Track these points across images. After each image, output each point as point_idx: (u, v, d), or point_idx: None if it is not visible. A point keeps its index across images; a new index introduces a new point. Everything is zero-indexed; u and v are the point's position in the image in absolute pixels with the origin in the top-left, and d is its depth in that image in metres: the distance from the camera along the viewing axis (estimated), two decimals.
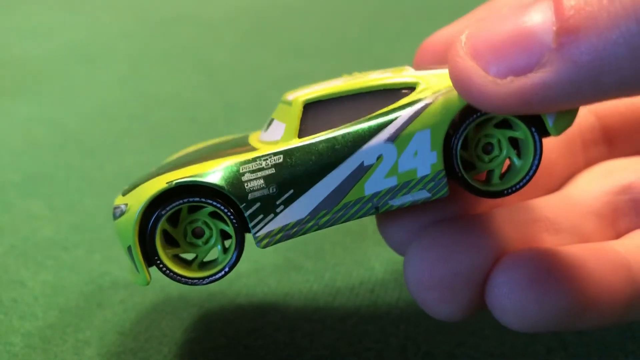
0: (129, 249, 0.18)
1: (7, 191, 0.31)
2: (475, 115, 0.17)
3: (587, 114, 0.23)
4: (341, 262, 0.26)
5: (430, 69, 0.19)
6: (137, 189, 0.18)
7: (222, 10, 0.68)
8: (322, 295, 0.24)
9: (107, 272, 0.25)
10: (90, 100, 0.43)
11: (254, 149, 0.18)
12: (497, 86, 0.15)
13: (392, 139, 0.18)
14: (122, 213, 0.18)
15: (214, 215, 0.18)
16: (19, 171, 0.33)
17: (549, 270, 0.17)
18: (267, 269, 0.25)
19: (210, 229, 0.18)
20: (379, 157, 0.18)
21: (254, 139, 0.20)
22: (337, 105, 0.19)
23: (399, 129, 0.18)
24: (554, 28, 0.14)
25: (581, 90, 0.14)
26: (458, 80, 0.15)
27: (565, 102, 0.15)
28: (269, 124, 0.20)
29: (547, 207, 0.20)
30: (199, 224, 0.18)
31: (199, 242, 0.18)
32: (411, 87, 0.18)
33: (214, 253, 0.19)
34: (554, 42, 0.14)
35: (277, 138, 0.18)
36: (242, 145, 0.19)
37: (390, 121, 0.18)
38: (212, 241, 0.18)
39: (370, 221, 0.27)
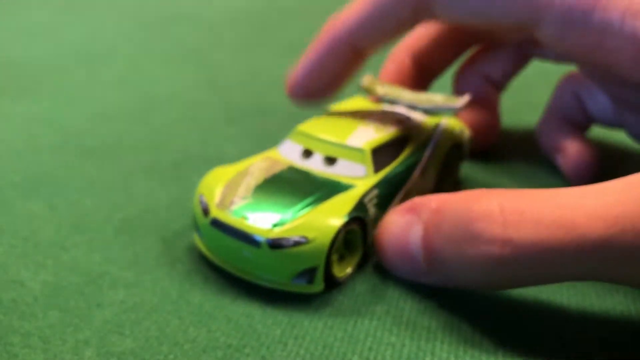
0: (313, 269, 0.23)
1: (7, 191, 0.31)
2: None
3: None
4: None
5: (398, 118, 0.29)
6: (306, 222, 0.23)
7: (222, 11, 0.68)
8: (323, 295, 0.24)
9: (106, 272, 0.25)
10: (90, 100, 0.43)
11: (351, 185, 0.25)
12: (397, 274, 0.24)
13: (421, 173, 0.28)
14: (302, 243, 0.22)
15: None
16: (19, 172, 0.33)
17: None
18: None
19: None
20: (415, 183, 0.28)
21: (325, 173, 0.26)
22: (383, 148, 0.27)
23: (425, 166, 0.28)
24: (423, 259, 0.23)
25: (440, 284, 0.23)
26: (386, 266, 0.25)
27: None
28: (333, 161, 0.26)
29: None
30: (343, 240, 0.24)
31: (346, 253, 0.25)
32: (408, 134, 0.28)
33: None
34: (426, 266, 0.23)
35: (361, 174, 0.26)
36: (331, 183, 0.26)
37: (419, 160, 0.28)
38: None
39: None
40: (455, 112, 0.29)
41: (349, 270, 0.24)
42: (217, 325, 0.22)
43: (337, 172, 0.26)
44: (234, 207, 0.24)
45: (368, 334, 0.22)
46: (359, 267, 0.25)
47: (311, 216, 0.23)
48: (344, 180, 0.25)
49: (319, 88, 0.31)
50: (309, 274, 0.23)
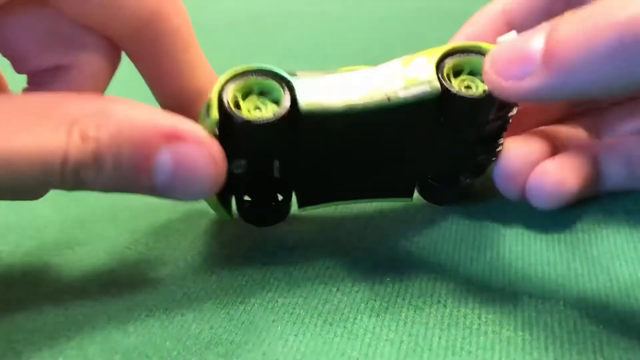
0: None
1: None
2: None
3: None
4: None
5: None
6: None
7: (223, 15, 0.69)
8: (322, 292, 0.24)
9: (111, 270, 0.25)
10: None
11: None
12: (503, 86, 0.22)
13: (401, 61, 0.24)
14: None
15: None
16: None
17: None
18: (269, 267, 0.25)
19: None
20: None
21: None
22: None
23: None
24: (542, 51, 0.20)
25: (554, 95, 0.21)
26: (487, 83, 0.22)
27: (546, 99, 0.24)
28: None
29: None
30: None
31: None
32: None
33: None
34: (541, 60, 0.20)
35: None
36: None
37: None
38: None
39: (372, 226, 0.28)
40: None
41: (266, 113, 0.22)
42: (219, 321, 0.22)
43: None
44: None
45: (367, 330, 0.22)
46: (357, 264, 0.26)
47: None
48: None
49: None
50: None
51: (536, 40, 0.21)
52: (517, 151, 0.27)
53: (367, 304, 0.23)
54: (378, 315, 0.23)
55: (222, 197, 0.25)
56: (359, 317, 0.23)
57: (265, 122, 0.22)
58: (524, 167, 0.27)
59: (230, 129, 0.22)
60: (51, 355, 0.21)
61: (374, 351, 0.21)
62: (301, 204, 0.27)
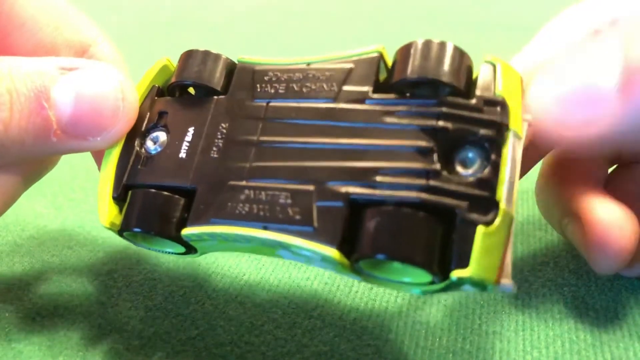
0: None
1: None
2: None
3: None
4: None
5: None
6: None
7: (223, 13, 0.69)
8: (322, 292, 0.24)
9: (111, 270, 0.25)
10: None
11: None
12: (568, 131, 0.17)
13: None
14: None
15: None
16: None
17: None
18: (268, 267, 0.25)
19: None
20: None
21: None
22: None
23: None
24: (618, 88, 0.16)
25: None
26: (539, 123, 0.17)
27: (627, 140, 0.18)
28: None
29: None
30: None
31: None
32: None
33: None
34: (617, 93, 0.16)
35: None
36: None
37: None
38: None
39: None
40: None
41: None
42: (218, 322, 0.23)
43: None
44: None
45: (365, 331, 0.22)
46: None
47: None
48: None
49: None
50: None
51: (607, 71, 0.16)
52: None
53: (366, 304, 0.23)
54: (378, 316, 0.23)
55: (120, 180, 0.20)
56: (358, 318, 0.23)
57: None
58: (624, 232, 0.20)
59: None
60: (51, 355, 0.21)
61: (373, 351, 0.21)
62: (190, 221, 0.19)
